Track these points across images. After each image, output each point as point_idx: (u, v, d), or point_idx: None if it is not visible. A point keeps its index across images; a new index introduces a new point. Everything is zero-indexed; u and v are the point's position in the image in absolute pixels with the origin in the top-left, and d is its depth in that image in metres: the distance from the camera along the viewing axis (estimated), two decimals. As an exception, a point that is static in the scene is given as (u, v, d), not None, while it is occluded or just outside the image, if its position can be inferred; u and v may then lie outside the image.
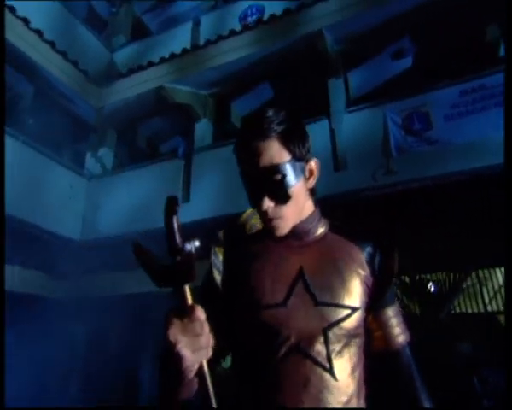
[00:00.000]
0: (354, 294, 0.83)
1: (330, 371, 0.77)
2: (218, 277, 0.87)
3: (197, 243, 0.54)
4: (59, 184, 5.98)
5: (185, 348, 0.55)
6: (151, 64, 5.93)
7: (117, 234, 5.51)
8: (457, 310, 5.16)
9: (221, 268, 0.89)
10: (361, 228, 0.92)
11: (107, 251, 5.46)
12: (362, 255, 0.88)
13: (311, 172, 0.90)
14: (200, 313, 0.56)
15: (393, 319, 0.90)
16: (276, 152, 0.82)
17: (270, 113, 0.85)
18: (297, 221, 0.88)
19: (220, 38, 5.55)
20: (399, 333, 0.89)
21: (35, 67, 6.01)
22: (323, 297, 0.81)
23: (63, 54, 5.73)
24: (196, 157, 5.75)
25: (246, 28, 5.38)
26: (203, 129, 6.27)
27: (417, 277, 3.05)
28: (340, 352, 0.79)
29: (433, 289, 5.31)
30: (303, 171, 0.87)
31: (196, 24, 6.96)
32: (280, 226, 0.85)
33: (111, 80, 6.37)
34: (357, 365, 0.82)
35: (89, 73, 6.18)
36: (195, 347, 0.56)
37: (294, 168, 0.84)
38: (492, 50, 5.13)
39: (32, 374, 4.89)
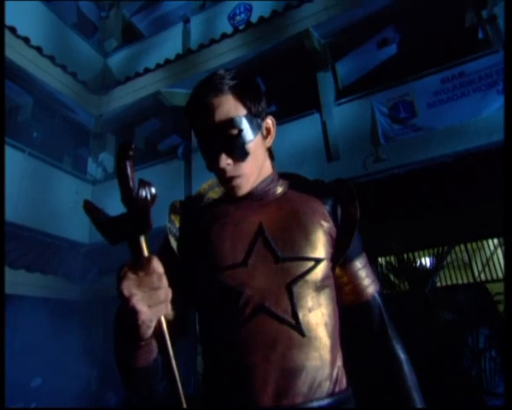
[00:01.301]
0: (317, 245, 0.80)
1: (298, 327, 0.74)
2: (174, 243, 0.84)
3: (153, 190, 0.50)
4: (66, 191, 6.25)
5: (141, 302, 0.50)
6: (147, 70, 6.16)
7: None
8: (448, 282, 5.54)
9: (178, 234, 0.86)
10: (321, 182, 0.92)
11: (114, 253, 5.76)
12: (324, 207, 0.86)
13: (269, 131, 0.88)
14: (158, 265, 0.51)
15: (362, 271, 0.88)
16: (232, 106, 0.80)
17: (222, 71, 0.84)
18: (256, 181, 0.86)
19: (213, 41, 5.77)
20: (369, 284, 0.88)
21: (33, 80, 6.20)
22: (285, 252, 0.78)
23: (62, 67, 5.95)
24: (196, 156, 6.01)
25: (236, 31, 5.60)
26: (200, 128, 6.50)
27: (405, 256, 3.36)
28: (307, 307, 0.76)
29: (429, 263, 5.69)
30: (260, 128, 0.85)
31: (186, 24, 7.14)
32: (240, 185, 0.82)
33: (109, 88, 6.58)
34: (329, 318, 0.79)
35: (85, 81, 6.39)
36: (153, 301, 0.51)
37: (251, 123, 0.82)
38: (471, 36, 5.37)
39: (51, 374, 5.22)
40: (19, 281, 4.44)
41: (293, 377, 0.72)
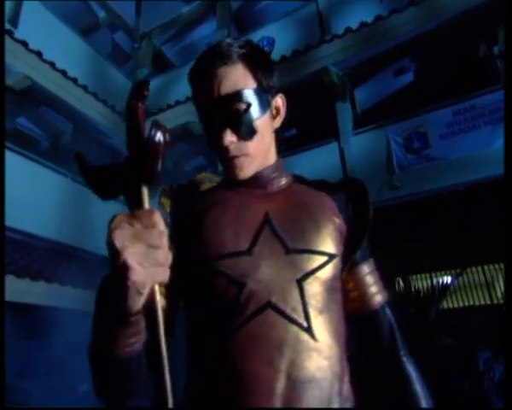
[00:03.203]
0: (330, 240, 0.72)
1: (309, 330, 0.65)
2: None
3: (168, 136, 0.43)
4: (102, 211, 6.80)
5: (134, 258, 0.40)
6: (178, 102, 6.70)
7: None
8: (465, 303, 5.75)
9: (168, 220, 0.74)
10: (327, 181, 0.85)
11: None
12: (333, 203, 0.78)
13: (278, 110, 0.80)
14: (160, 220, 0.43)
15: (369, 277, 0.80)
16: (241, 77, 0.72)
17: (229, 39, 0.76)
18: (261, 165, 0.77)
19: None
20: (376, 292, 0.80)
21: (72, 110, 6.80)
22: (296, 244, 0.69)
23: (104, 102, 6.57)
24: (221, 181, 6.44)
25: (259, 68, 6.08)
26: (225, 153, 6.97)
27: (411, 281, 3.67)
28: (318, 308, 0.67)
29: (450, 282, 5.89)
30: (269, 105, 0.77)
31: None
32: (244, 165, 0.73)
33: (143, 118, 7.17)
34: (338, 324, 0.70)
35: (121, 112, 6.98)
36: (149, 261, 0.41)
37: (261, 99, 0.73)
38: (484, 69, 5.63)
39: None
40: (64, 294, 4.96)
41: (303, 388, 0.62)
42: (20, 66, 5.37)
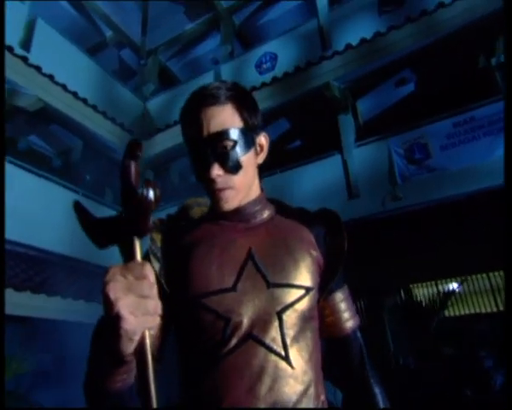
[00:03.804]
0: (307, 274, 0.78)
1: (286, 358, 0.72)
2: (156, 265, 0.78)
3: (158, 192, 0.46)
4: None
5: (127, 309, 0.45)
6: (184, 119, 6.90)
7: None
8: (471, 311, 5.82)
9: (159, 255, 0.80)
10: (305, 211, 0.90)
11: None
12: (311, 235, 0.84)
13: (262, 147, 0.86)
14: (150, 272, 0.47)
15: (343, 303, 0.87)
16: (228, 117, 0.78)
17: (217, 82, 0.82)
18: (245, 199, 0.83)
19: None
20: (349, 317, 0.87)
21: (82, 127, 6.99)
22: (276, 278, 0.76)
23: (112, 120, 6.76)
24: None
25: (263, 85, 6.26)
26: (230, 166, 7.14)
27: (413, 291, 3.76)
28: (295, 337, 0.74)
29: (452, 289, 5.97)
30: (254, 143, 0.83)
31: (217, 72, 7.88)
32: (230, 197, 0.79)
33: (151, 134, 7.38)
34: (313, 350, 0.77)
35: (131, 130, 7.20)
36: (140, 310, 0.45)
37: (246, 137, 0.80)
38: (483, 80, 5.75)
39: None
40: (78, 309, 5.12)
41: None
42: (32, 89, 5.59)
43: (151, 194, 0.46)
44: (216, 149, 0.77)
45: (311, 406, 0.73)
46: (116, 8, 9.16)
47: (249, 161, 0.82)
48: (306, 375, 0.74)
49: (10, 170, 5.42)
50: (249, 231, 0.82)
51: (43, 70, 5.74)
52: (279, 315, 0.74)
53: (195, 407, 0.73)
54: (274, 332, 0.73)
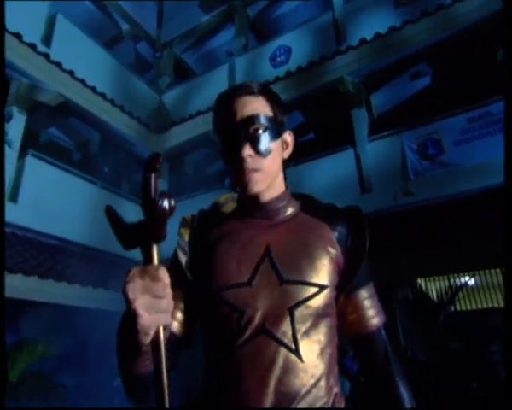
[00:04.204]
0: (322, 272, 0.81)
1: (296, 352, 0.75)
2: (183, 258, 0.86)
3: (173, 202, 0.52)
4: (129, 217, 7.17)
5: (143, 307, 0.51)
6: (199, 112, 7.01)
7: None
8: (483, 305, 5.85)
9: (187, 249, 0.87)
10: (332, 208, 0.93)
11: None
12: (332, 234, 0.87)
13: (287, 144, 0.92)
14: (164, 275, 0.52)
15: (367, 301, 0.88)
16: (261, 106, 0.86)
17: (249, 81, 0.90)
18: (270, 194, 0.88)
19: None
20: (374, 315, 0.88)
21: (100, 121, 7.13)
22: (290, 275, 0.79)
23: (129, 114, 6.92)
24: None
25: (277, 79, 6.31)
26: (244, 159, 7.24)
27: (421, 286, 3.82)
28: (306, 332, 0.77)
29: (472, 282, 6.01)
30: (281, 136, 0.90)
31: (232, 65, 7.94)
32: (258, 179, 0.84)
33: (166, 128, 7.53)
34: (326, 346, 0.80)
35: (147, 123, 7.34)
36: (154, 308, 0.52)
37: (276, 127, 0.87)
38: (500, 74, 5.67)
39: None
40: (98, 297, 5.34)
41: (288, 402, 0.73)
42: (53, 84, 5.77)
43: (166, 204, 0.51)
44: (248, 131, 0.83)
45: (322, 396, 0.77)
46: (132, 1, 9.28)
47: (277, 149, 0.87)
48: (317, 368, 0.77)
49: (33, 162, 5.65)
50: (271, 229, 0.86)
51: (63, 65, 5.91)
52: (291, 311, 0.77)
53: (214, 397, 0.79)
54: (285, 327, 0.76)
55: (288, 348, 0.75)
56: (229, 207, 0.95)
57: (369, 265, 0.89)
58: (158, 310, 0.52)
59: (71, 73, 5.99)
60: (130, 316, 0.51)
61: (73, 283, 5.05)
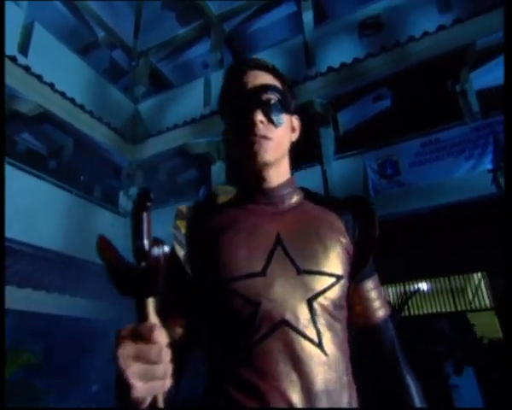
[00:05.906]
0: (337, 262, 0.76)
1: (319, 345, 0.70)
2: (181, 252, 0.78)
3: (166, 249, 0.47)
4: (103, 224, 7.33)
5: (135, 377, 0.45)
6: (176, 126, 7.28)
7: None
8: (434, 310, 6.49)
9: (184, 242, 0.80)
10: (335, 197, 0.91)
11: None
12: (341, 223, 0.83)
13: (294, 129, 0.89)
14: (160, 336, 0.46)
15: (373, 292, 0.85)
16: (272, 80, 0.83)
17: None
18: (275, 179, 0.84)
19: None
20: (380, 306, 0.85)
21: (73, 128, 7.17)
22: (306, 265, 0.74)
23: (107, 125, 7.14)
24: (215, 197, 7.03)
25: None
26: (218, 170, 7.57)
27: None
28: (327, 325, 0.72)
29: (426, 288, 6.63)
30: (291, 116, 0.88)
31: (207, 80, 8.26)
32: (269, 148, 0.79)
33: (143, 139, 7.74)
34: (343, 340, 0.76)
35: (123, 133, 7.52)
36: (149, 377, 0.46)
37: (286, 102, 0.84)
38: (448, 105, 6.35)
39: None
40: (75, 304, 5.48)
41: (317, 400, 0.67)
42: (32, 95, 5.87)
43: (160, 253, 0.46)
44: (261, 98, 0.80)
45: (345, 392, 0.72)
46: (109, 9, 9.38)
47: (287, 126, 0.84)
48: (339, 363, 0.73)
49: (8, 171, 5.70)
50: (276, 216, 0.81)
51: (34, 70, 5.95)
52: (310, 302, 0.72)
53: (229, 396, 0.70)
54: (306, 319, 0.71)
55: (311, 341, 0.70)
56: (227, 196, 0.90)
57: (374, 255, 0.86)
58: (152, 377, 0.46)
59: (51, 85, 6.10)
60: (123, 386, 0.46)
61: (52, 292, 5.17)
